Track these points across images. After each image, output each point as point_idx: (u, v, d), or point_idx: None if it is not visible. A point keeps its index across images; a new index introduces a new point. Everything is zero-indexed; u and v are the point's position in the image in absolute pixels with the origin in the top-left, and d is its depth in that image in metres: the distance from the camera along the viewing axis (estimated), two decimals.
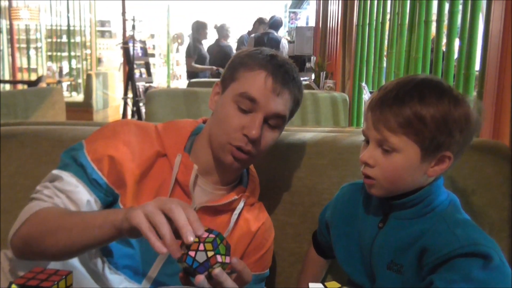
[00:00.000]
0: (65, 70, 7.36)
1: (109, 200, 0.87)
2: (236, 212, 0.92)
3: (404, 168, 0.75)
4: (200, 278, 0.61)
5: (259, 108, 0.86)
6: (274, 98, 0.86)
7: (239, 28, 6.71)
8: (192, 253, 0.61)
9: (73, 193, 0.82)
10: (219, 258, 0.62)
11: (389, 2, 2.38)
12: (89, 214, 0.79)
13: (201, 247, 0.61)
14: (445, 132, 0.73)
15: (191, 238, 0.61)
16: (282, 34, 5.88)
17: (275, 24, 5.18)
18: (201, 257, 0.61)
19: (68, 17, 7.18)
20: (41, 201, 0.81)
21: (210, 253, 0.61)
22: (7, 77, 6.78)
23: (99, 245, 0.80)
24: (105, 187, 0.85)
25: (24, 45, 7.27)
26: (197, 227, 0.62)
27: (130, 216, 0.64)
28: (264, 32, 5.08)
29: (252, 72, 0.87)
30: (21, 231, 0.78)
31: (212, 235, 0.62)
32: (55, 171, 0.86)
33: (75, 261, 0.85)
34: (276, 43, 4.93)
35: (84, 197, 0.83)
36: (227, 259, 0.63)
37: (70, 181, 0.83)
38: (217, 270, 0.62)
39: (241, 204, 0.93)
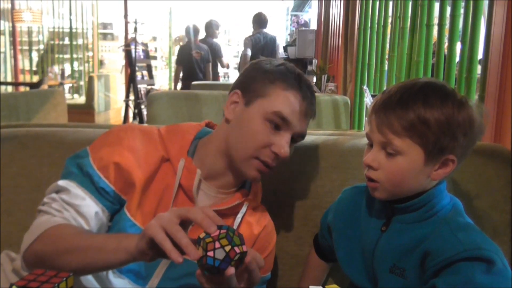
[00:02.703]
0: (67, 72, 7.38)
1: (116, 208, 0.87)
2: (239, 215, 0.92)
3: (407, 171, 0.75)
4: (231, 271, 0.62)
5: (289, 128, 0.88)
6: (303, 119, 0.90)
7: (240, 30, 6.70)
8: (210, 253, 0.62)
9: (81, 206, 0.82)
10: (237, 249, 0.63)
11: (390, 5, 2.38)
12: (103, 238, 0.78)
13: (217, 244, 0.62)
14: (449, 135, 0.73)
15: (213, 228, 0.63)
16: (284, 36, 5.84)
17: (264, 21, 5.03)
18: (220, 254, 0.62)
19: (70, 19, 7.22)
20: (50, 215, 0.81)
21: (227, 248, 0.62)
22: (9, 79, 6.81)
23: (112, 268, 0.81)
24: (113, 194, 0.85)
25: (26, 47, 7.31)
26: (218, 221, 0.65)
27: (146, 228, 0.65)
28: (258, 32, 5.00)
29: (285, 92, 0.88)
30: (34, 247, 0.77)
31: (223, 231, 0.63)
32: (61, 182, 0.85)
33: None
34: (272, 42, 4.91)
35: (92, 209, 0.83)
36: (244, 248, 0.64)
37: (77, 193, 0.83)
38: (249, 258, 0.64)
39: (244, 208, 0.93)
